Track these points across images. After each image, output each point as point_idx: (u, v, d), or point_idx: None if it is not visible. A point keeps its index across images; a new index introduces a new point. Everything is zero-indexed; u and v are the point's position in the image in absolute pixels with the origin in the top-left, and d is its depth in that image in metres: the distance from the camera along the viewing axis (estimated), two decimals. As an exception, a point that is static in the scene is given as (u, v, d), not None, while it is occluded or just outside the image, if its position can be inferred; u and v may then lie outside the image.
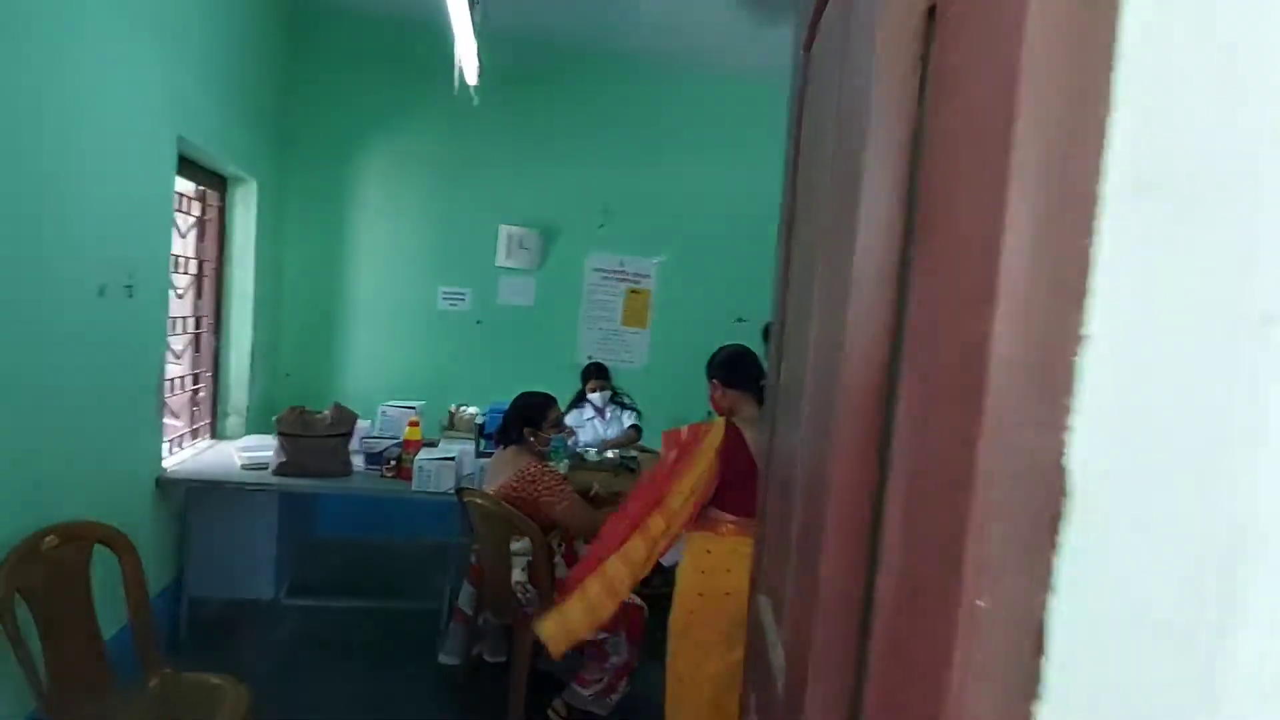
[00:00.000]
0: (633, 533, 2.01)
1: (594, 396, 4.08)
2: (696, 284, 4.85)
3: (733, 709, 2.09)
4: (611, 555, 2.01)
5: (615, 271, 4.77)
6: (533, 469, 2.55)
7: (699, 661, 2.12)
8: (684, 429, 2.14)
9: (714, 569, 2.05)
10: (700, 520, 2.11)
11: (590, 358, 4.58)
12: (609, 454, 3.72)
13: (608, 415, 4.11)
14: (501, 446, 2.74)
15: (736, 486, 2.02)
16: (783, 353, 0.81)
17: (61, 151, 2.05)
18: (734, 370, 2.21)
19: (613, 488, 3.16)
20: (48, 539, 1.81)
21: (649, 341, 4.87)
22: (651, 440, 4.50)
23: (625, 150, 4.68)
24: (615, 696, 2.64)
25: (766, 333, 3.64)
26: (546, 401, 2.75)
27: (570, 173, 4.61)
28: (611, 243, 4.73)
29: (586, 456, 3.67)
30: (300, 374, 4.35)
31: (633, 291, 4.82)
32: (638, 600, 2.60)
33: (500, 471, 2.64)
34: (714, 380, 2.24)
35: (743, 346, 2.32)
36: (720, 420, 2.12)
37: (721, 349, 2.31)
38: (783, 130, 0.92)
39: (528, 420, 2.67)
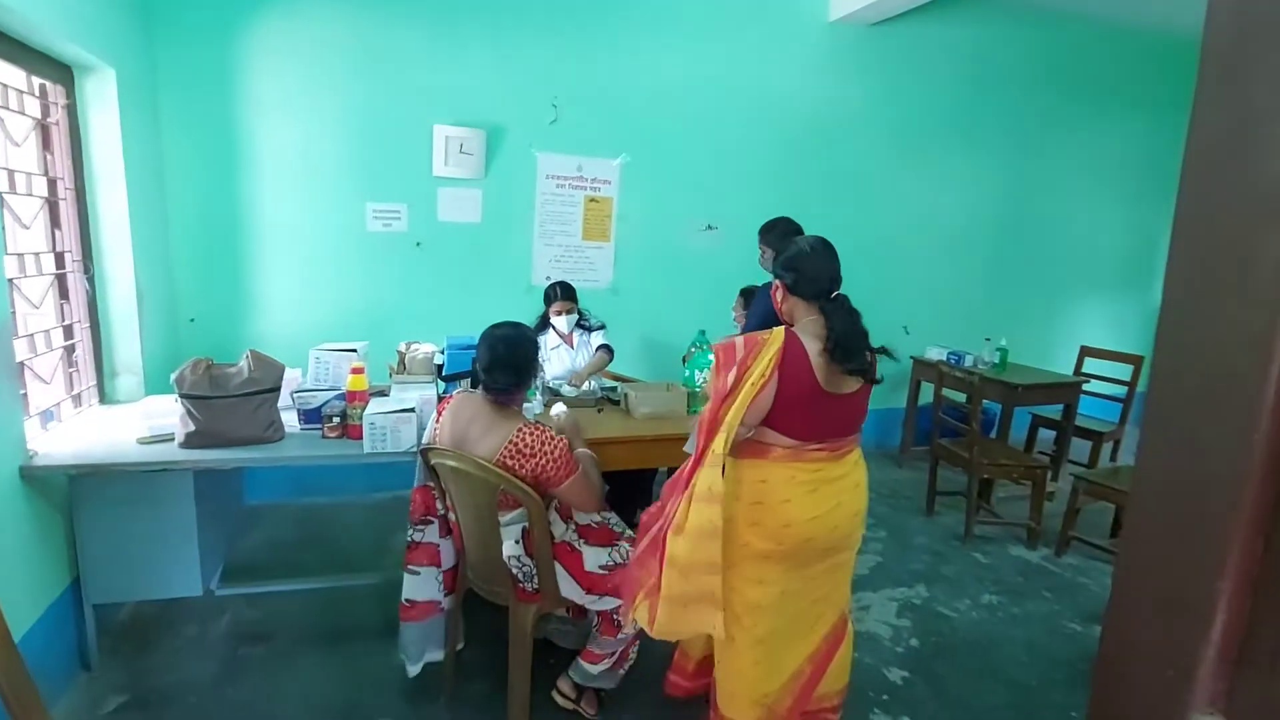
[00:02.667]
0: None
1: (559, 321, 3.56)
2: (661, 189, 4.32)
3: (792, 632, 1.92)
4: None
5: (572, 178, 4.15)
6: (530, 437, 2.02)
7: (753, 590, 1.90)
8: (737, 340, 1.81)
9: (770, 500, 1.82)
10: (748, 446, 1.86)
11: (549, 278, 4.03)
12: (587, 385, 3.24)
13: (575, 342, 3.61)
14: (491, 401, 2.12)
15: (793, 407, 1.80)
16: None
17: None
18: (803, 274, 1.86)
19: (601, 430, 2.69)
20: None
21: (613, 257, 4.32)
22: (624, 366, 4.05)
23: (578, 33, 3.97)
24: (626, 666, 2.31)
25: (767, 235, 3.10)
26: (533, 336, 2.22)
27: (515, 58, 3.88)
28: (566, 143, 4.08)
29: (561, 392, 3.18)
30: (207, 319, 3.62)
31: (592, 200, 4.23)
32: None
33: (477, 431, 2.07)
34: (779, 282, 1.91)
35: (819, 241, 1.90)
36: (779, 330, 1.82)
37: (795, 243, 1.91)
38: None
39: (530, 364, 2.13)
